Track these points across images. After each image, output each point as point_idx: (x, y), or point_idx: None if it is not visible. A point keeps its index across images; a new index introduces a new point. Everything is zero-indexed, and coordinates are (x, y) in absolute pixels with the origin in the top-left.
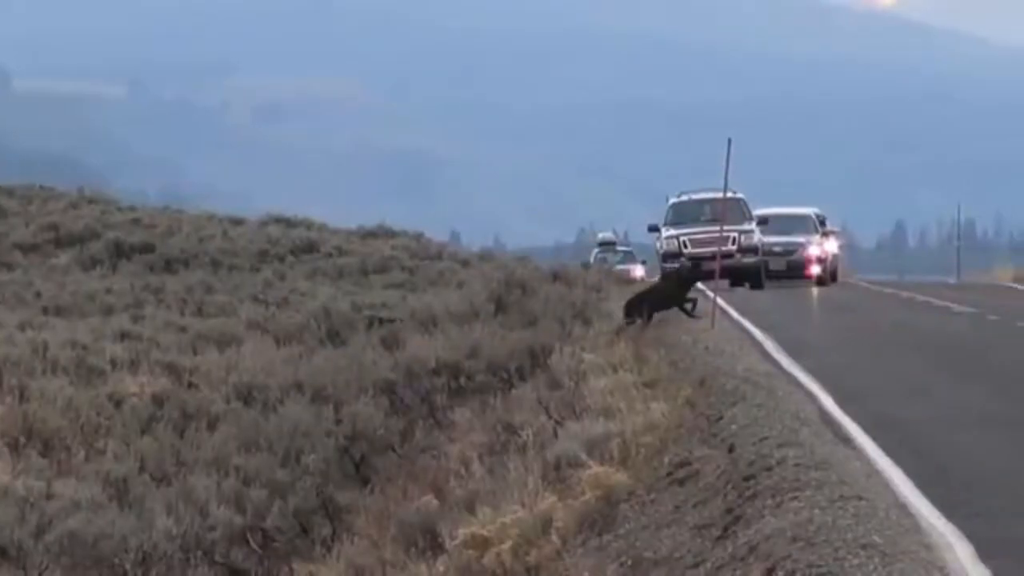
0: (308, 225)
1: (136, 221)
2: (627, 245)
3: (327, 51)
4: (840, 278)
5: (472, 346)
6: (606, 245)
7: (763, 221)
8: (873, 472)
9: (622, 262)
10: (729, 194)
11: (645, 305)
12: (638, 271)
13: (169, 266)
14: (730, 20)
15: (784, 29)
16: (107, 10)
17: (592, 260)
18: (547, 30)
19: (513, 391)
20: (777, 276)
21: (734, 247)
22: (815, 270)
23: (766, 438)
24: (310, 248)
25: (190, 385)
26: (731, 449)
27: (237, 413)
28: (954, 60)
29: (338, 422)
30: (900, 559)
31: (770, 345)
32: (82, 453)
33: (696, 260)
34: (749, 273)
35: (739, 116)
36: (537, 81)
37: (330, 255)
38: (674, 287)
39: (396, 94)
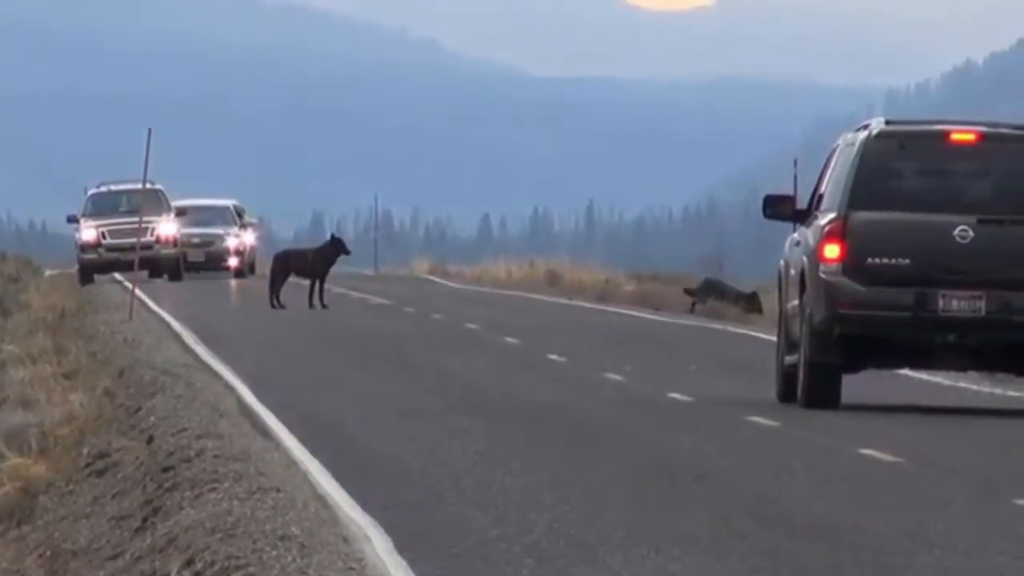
0: None
1: None
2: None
3: None
4: (258, 270)
5: None
6: None
7: (182, 212)
8: (292, 464)
9: None
10: (148, 185)
11: None
12: None
13: None
14: (151, 10)
15: (208, 19)
16: None
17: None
18: None
19: None
20: (196, 268)
21: (152, 238)
22: (233, 262)
23: (185, 429)
24: None
25: None
26: (150, 440)
27: None
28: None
29: None
30: (318, 551)
31: (189, 337)
32: None
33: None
34: (167, 265)
35: (162, 106)
36: None
37: None
38: None
39: None
